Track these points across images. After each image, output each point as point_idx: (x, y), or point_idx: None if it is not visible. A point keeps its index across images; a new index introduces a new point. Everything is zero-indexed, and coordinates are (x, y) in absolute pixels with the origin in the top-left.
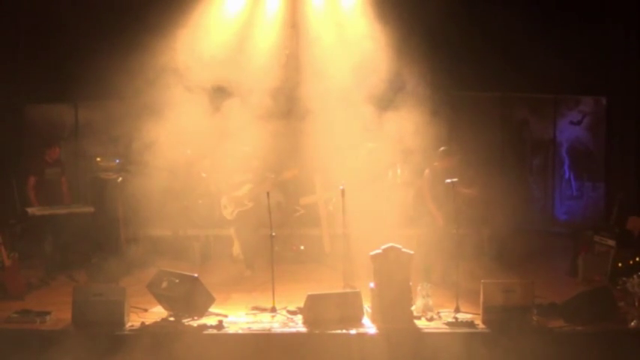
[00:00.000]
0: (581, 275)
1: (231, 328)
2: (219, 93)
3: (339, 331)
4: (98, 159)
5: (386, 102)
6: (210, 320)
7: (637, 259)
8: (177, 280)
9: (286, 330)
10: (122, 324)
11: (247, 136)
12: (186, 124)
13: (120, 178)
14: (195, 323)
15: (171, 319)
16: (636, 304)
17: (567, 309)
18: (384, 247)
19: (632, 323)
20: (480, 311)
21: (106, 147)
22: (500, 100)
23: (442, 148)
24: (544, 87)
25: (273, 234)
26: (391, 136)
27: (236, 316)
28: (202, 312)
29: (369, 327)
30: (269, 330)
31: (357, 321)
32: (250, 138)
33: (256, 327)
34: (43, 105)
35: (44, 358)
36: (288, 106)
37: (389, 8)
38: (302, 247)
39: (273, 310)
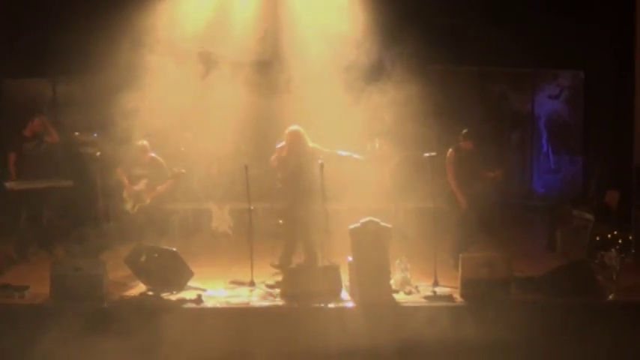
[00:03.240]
0: (559, 249)
1: (209, 302)
2: (199, 66)
3: (317, 305)
4: (77, 133)
5: (363, 76)
6: (189, 294)
7: (615, 232)
8: (156, 255)
9: (265, 304)
10: (102, 298)
11: (228, 108)
12: (166, 96)
13: (98, 152)
14: (174, 297)
15: (150, 293)
16: (614, 277)
17: (545, 283)
18: (362, 220)
19: (610, 297)
20: (459, 285)
21: (85, 121)
22: (479, 74)
23: (466, 130)
24: (522, 61)
25: (252, 208)
26: (369, 109)
27: (215, 290)
28: (181, 286)
29: (347, 301)
30: (247, 304)
31: (335, 295)
32: (230, 110)
33: (235, 301)
34: (21, 80)
35: (22, 332)
36: (267, 80)
37: None
38: (280, 222)
39: (252, 284)
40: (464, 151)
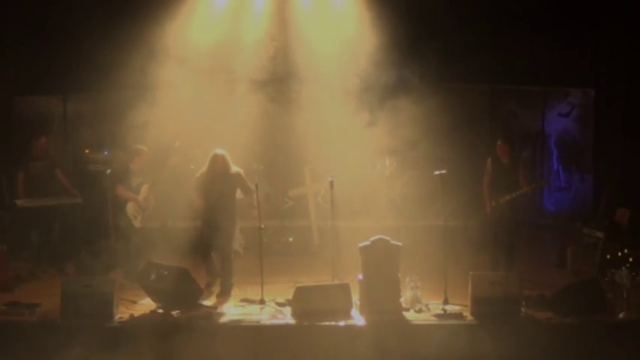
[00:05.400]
0: (570, 267)
1: (220, 320)
2: (208, 84)
3: (327, 323)
4: (87, 151)
5: (375, 94)
6: (199, 312)
7: (625, 250)
8: (166, 272)
9: (275, 322)
10: (111, 316)
11: (238, 126)
12: (176, 115)
13: (109, 170)
14: (184, 315)
15: (160, 311)
16: (624, 295)
17: (556, 301)
18: (372, 238)
19: (621, 315)
20: (469, 303)
21: (95, 138)
22: (489, 92)
23: (500, 140)
24: (533, 79)
25: (262, 226)
26: (380, 127)
27: (225, 308)
28: (191, 304)
29: (357, 319)
30: (258, 322)
31: (345, 313)
32: (240, 128)
33: (245, 319)
34: (32, 97)
35: (33, 350)
36: (277, 97)
37: (378, 1)
38: (291, 239)
39: (262, 302)
40: (499, 160)
